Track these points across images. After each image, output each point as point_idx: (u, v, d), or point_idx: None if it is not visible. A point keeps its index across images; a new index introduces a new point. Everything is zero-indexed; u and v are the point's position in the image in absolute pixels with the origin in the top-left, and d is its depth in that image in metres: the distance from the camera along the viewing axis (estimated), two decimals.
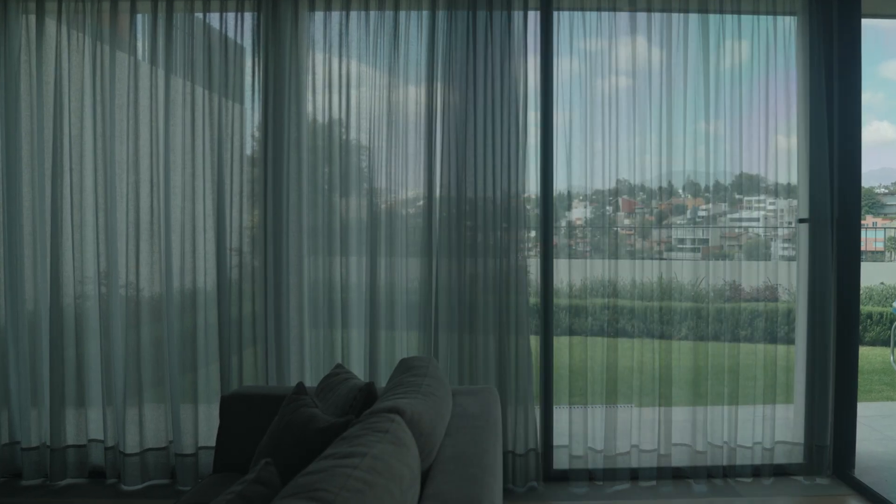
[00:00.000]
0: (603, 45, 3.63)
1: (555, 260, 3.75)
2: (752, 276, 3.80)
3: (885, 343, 7.84)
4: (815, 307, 3.71)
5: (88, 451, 3.74)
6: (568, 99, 3.68)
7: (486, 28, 3.54)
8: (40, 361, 3.70)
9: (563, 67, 3.68)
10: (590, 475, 3.75)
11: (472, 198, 3.58)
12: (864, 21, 3.67)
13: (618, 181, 3.75)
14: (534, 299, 3.77)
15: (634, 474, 3.75)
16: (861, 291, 3.82)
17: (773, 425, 3.74)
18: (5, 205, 3.66)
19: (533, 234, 3.73)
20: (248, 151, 3.68)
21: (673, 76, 3.67)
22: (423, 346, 3.63)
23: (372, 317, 3.63)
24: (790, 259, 3.86)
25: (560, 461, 3.79)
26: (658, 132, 3.66)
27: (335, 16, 3.61)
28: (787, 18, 3.70)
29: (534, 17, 3.66)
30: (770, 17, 3.69)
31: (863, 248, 3.84)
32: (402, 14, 3.59)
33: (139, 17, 3.62)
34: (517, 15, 3.59)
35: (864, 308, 8.11)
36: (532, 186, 3.69)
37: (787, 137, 3.72)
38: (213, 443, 3.56)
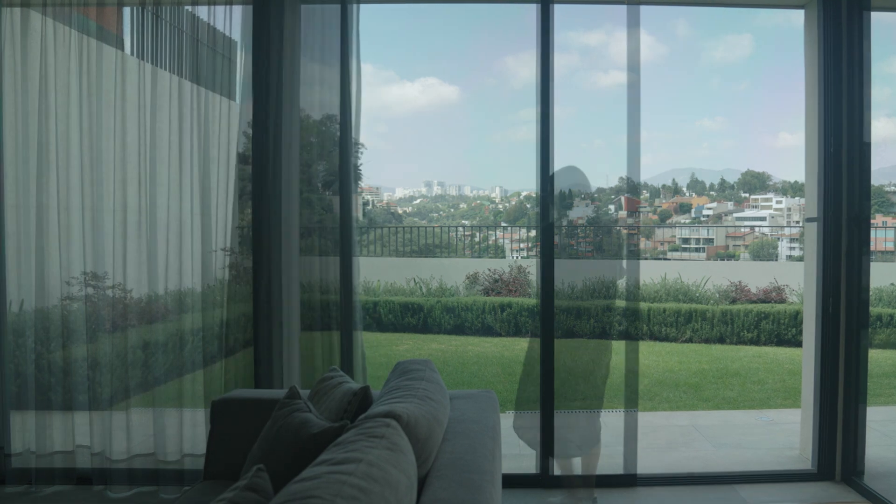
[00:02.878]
0: (602, 39, 3.54)
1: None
2: (758, 276, 3.73)
3: (895, 346, 7.76)
4: (824, 308, 3.63)
5: (75, 458, 3.64)
6: (567, 94, 3.58)
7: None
8: (25, 365, 3.61)
9: (559, 62, 3.54)
10: (589, 480, 3.65)
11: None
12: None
13: (619, 179, 3.67)
14: (534, 300, 3.68)
15: (636, 480, 3.66)
16: (870, 292, 3.73)
17: (780, 430, 3.66)
18: None
19: (532, 233, 3.65)
20: (239, 148, 3.59)
21: (675, 71, 3.58)
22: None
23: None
24: (797, 259, 3.79)
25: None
26: (661, 128, 3.57)
27: (328, 9, 3.52)
28: (794, 12, 3.64)
29: (533, 11, 3.56)
30: (776, 11, 3.64)
31: (872, 247, 3.75)
32: None
33: (126, 10, 3.54)
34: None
35: (874, 310, 8.02)
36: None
37: (794, 134, 3.65)
38: (199, 450, 3.50)
